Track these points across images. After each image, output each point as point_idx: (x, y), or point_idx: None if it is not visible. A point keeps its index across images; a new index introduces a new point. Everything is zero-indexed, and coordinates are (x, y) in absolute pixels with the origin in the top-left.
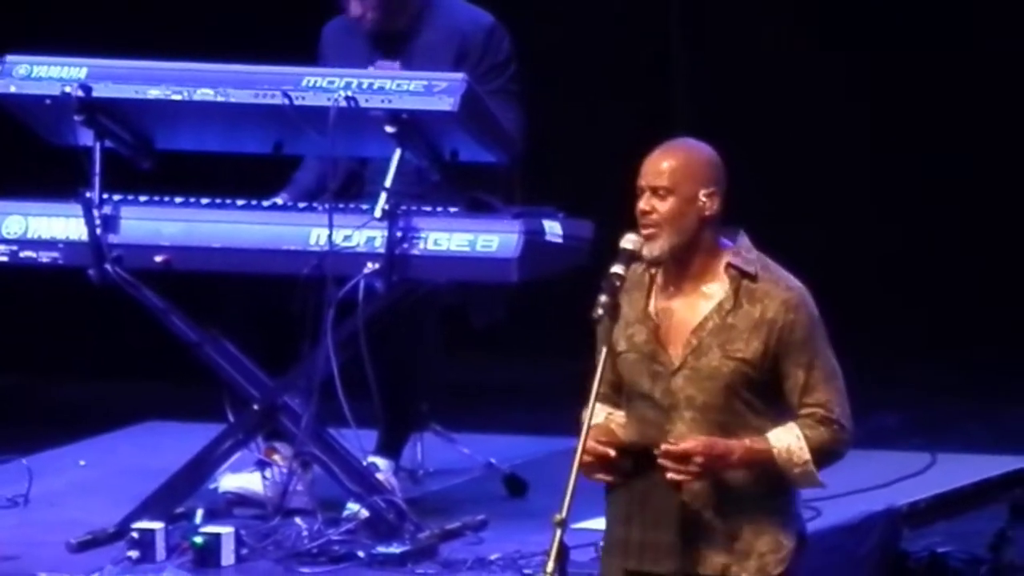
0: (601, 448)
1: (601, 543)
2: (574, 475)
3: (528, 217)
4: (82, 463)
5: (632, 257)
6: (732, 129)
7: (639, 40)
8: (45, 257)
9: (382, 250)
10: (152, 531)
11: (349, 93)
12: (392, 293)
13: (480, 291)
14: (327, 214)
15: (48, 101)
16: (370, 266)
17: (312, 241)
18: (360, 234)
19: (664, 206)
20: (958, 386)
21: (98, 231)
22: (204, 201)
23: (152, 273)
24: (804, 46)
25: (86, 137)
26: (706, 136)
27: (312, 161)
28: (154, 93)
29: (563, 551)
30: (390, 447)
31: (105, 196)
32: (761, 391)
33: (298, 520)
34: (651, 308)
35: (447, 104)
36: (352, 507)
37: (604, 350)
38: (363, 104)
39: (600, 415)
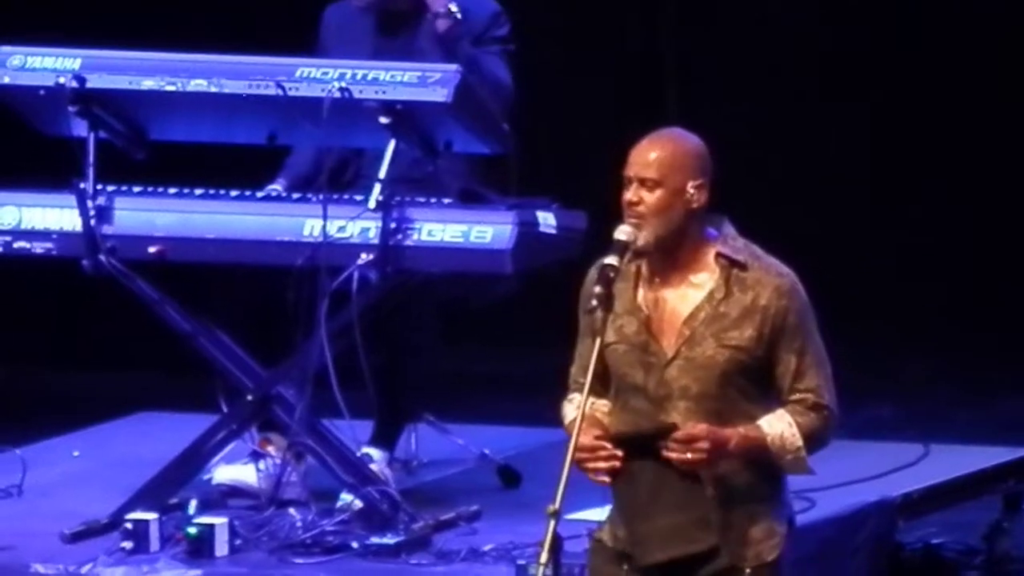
0: (595, 441)
1: (596, 533)
2: (567, 466)
3: (522, 208)
4: (76, 454)
5: (626, 248)
6: (723, 119)
7: (631, 31)
8: (39, 248)
9: (376, 241)
10: (146, 522)
11: (343, 84)
12: (386, 284)
13: (479, 282)
14: (321, 205)
15: (42, 92)
16: (364, 257)
17: (306, 232)
18: (354, 225)
19: (651, 197)
20: (952, 377)
21: (92, 222)
22: (198, 192)
23: (146, 264)
24: (798, 31)
25: (80, 128)
26: (697, 126)
27: (305, 147)
28: (148, 84)
29: (557, 542)
30: (384, 438)
31: (99, 187)
32: (754, 378)
33: (292, 511)
34: (640, 299)
35: (441, 95)
36: (346, 498)
37: (598, 340)
38: (357, 95)
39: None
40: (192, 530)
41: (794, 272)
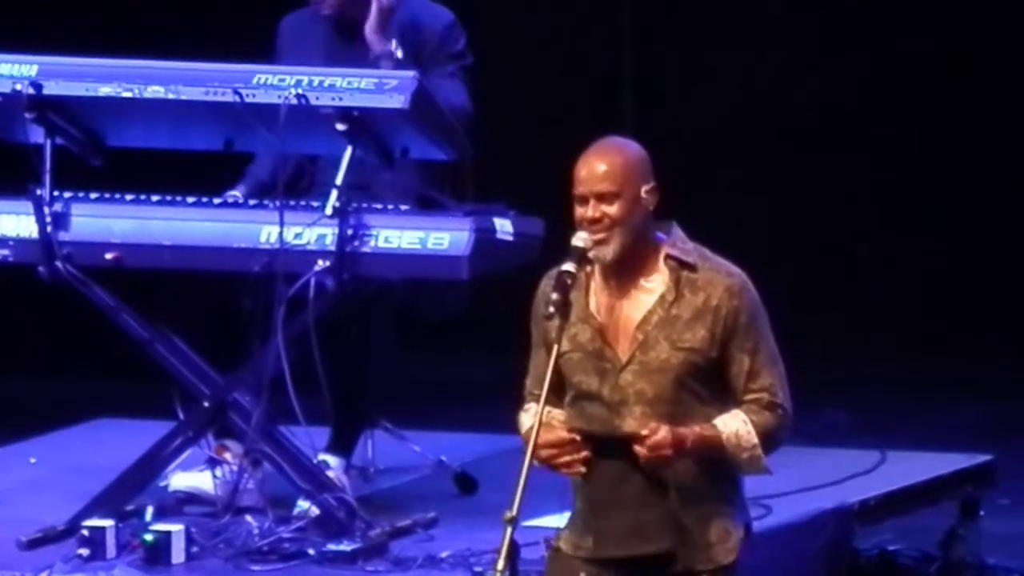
0: (564, 435)
1: (553, 540)
2: (525, 473)
3: (479, 215)
4: (32, 460)
5: (583, 255)
6: (679, 124)
7: (589, 36)
8: None
9: (333, 248)
10: (102, 529)
11: (300, 91)
12: (342, 290)
13: (432, 290)
14: (278, 211)
15: None
16: (320, 263)
17: (263, 239)
18: (311, 232)
19: (612, 209)
20: (908, 384)
21: (48, 228)
22: (155, 198)
23: (102, 270)
24: (761, 36)
25: (37, 134)
26: (653, 131)
27: (265, 155)
28: (105, 90)
29: (514, 549)
30: (341, 445)
31: (56, 193)
32: (707, 380)
33: (248, 518)
34: (592, 306)
35: (398, 102)
36: (302, 505)
37: (555, 349)
38: (313, 102)
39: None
40: (148, 537)
41: (747, 273)
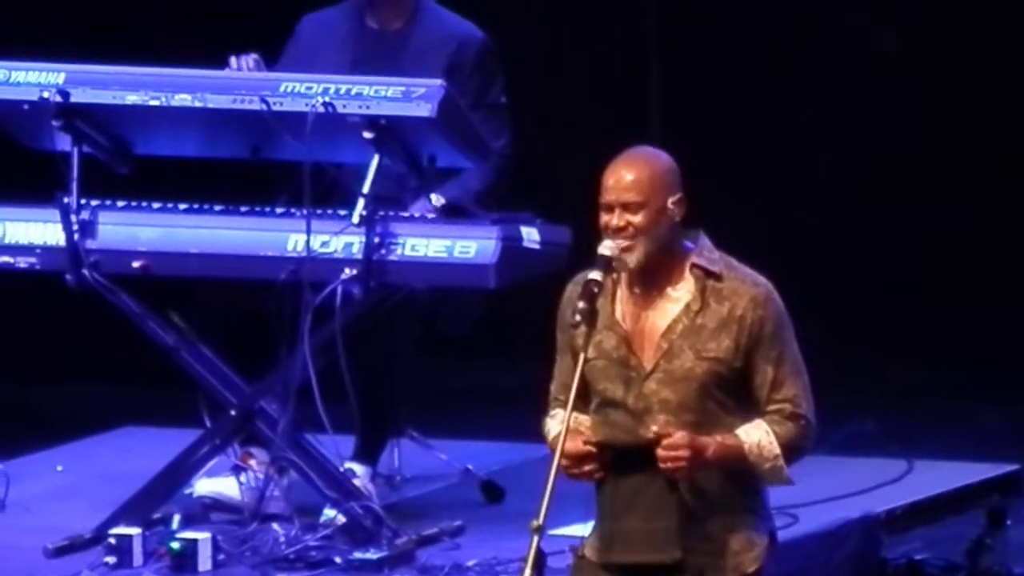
0: (582, 448)
1: (579, 549)
2: (551, 481)
3: (506, 223)
4: (59, 468)
5: (609, 263)
6: (708, 135)
7: (617, 45)
8: (22, 262)
9: (360, 256)
10: (129, 536)
11: (327, 99)
12: (369, 299)
13: (453, 299)
14: (305, 220)
15: (26, 106)
16: (347, 272)
17: (290, 247)
18: (338, 240)
19: (638, 218)
20: (935, 392)
21: (76, 236)
22: (182, 206)
23: (130, 278)
24: (780, 49)
25: (64, 142)
26: (681, 142)
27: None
28: (132, 98)
29: (540, 557)
30: (367, 453)
31: (83, 201)
32: (732, 389)
33: (275, 526)
34: (617, 314)
35: (425, 110)
36: (329, 513)
37: (581, 356)
38: (341, 110)
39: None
40: (175, 545)
41: (774, 284)
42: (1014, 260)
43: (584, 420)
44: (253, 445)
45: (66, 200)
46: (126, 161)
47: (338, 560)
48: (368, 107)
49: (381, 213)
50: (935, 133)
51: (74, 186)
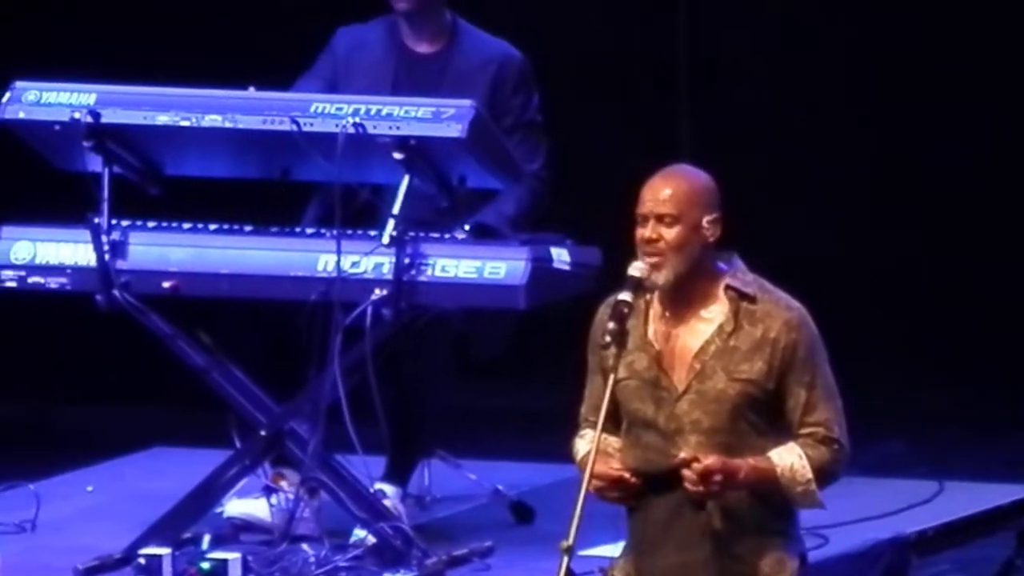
0: (614, 472)
1: (609, 570)
2: (581, 502)
3: (536, 244)
4: (89, 489)
5: (639, 284)
6: (736, 155)
7: (645, 66)
8: (53, 283)
9: (390, 276)
10: (159, 557)
11: (357, 119)
12: (400, 320)
13: (486, 322)
14: (335, 240)
15: (57, 127)
16: (378, 292)
17: (320, 267)
18: (368, 260)
19: (670, 233)
20: (966, 413)
21: (106, 257)
22: (212, 227)
23: (160, 299)
24: (809, 66)
25: (95, 163)
26: (711, 161)
27: (323, 193)
28: (163, 119)
29: None
30: (397, 474)
31: (113, 222)
32: (764, 412)
33: (305, 546)
34: (650, 335)
35: (455, 131)
36: (359, 533)
37: (611, 377)
38: (371, 131)
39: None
40: (205, 565)
41: (805, 306)
42: None
43: (613, 441)
44: (284, 466)
45: (97, 220)
46: (156, 182)
47: None
48: (398, 127)
49: (411, 234)
50: (982, 152)
51: (105, 206)
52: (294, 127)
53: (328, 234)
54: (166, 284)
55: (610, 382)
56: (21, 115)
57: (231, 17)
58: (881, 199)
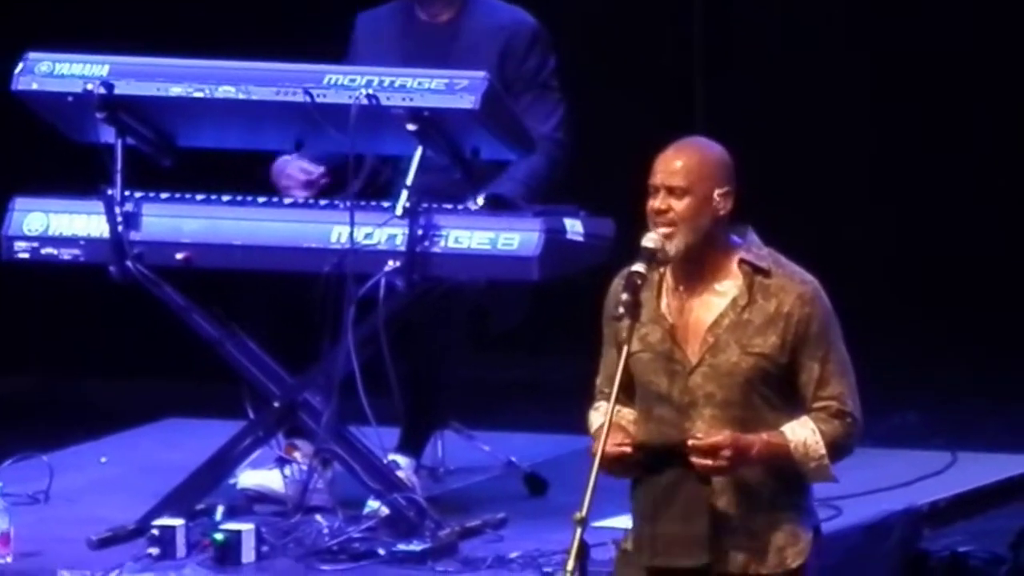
0: (616, 449)
1: (622, 542)
2: (594, 473)
3: (549, 215)
4: (103, 460)
5: (653, 256)
6: (752, 127)
7: (661, 37)
8: (66, 254)
9: (403, 248)
10: (172, 528)
11: (370, 91)
12: (413, 291)
13: (502, 294)
14: (348, 212)
15: (70, 98)
16: (391, 264)
17: (333, 239)
18: (381, 232)
19: (680, 205)
20: (979, 385)
21: (119, 228)
22: (225, 198)
23: (173, 270)
24: (829, 46)
25: (108, 134)
26: (726, 135)
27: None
28: (176, 91)
29: (583, 549)
30: (411, 445)
31: (126, 193)
32: (778, 386)
33: (318, 517)
34: (663, 308)
35: (468, 102)
36: (372, 504)
37: (624, 349)
38: (384, 102)
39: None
40: (219, 536)
41: (819, 280)
42: None
43: (627, 413)
44: (297, 437)
45: (110, 192)
46: (169, 153)
47: (381, 552)
48: (411, 99)
49: (425, 205)
50: (981, 132)
51: (118, 178)
52: (307, 98)
53: (341, 205)
54: (179, 256)
55: (623, 354)
56: (34, 86)
57: None
58: (897, 177)
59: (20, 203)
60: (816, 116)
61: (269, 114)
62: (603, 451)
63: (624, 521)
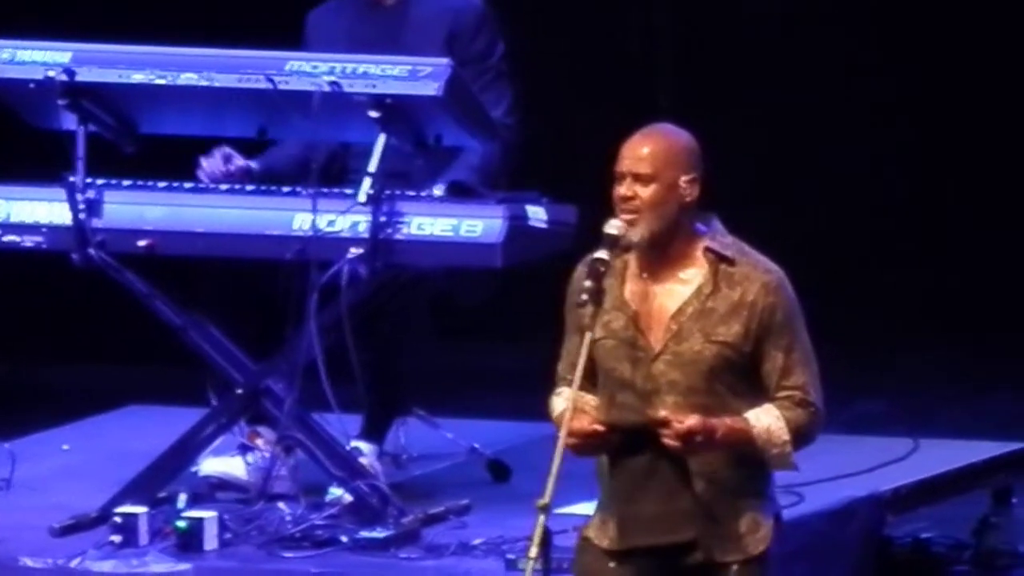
0: (588, 427)
1: (583, 529)
2: (557, 460)
3: (512, 202)
4: (65, 447)
5: (616, 242)
6: (714, 114)
7: (622, 24)
8: (28, 241)
9: (366, 235)
10: (135, 515)
11: (333, 78)
12: (376, 278)
13: (467, 276)
14: (311, 199)
15: (32, 85)
16: (354, 251)
17: (296, 226)
18: (344, 219)
19: (646, 192)
20: (941, 372)
21: (81, 215)
22: (187, 185)
23: (136, 257)
24: (789, 30)
25: (70, 121)
26: (688, 122)
27: (290, 142)
28: (138, 77)
29: (546, 536)
30: (374, 432)
31: (89, 180)
32: (742, 374)
33: (281, 505)
34: (627, 295)
35: (432, 89)
36: (335, 492)
37: (587, 336)
38: (347, 89)
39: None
40: (181, 524)
41: (783, 268)
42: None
43: (590, 399)
44: (260, 424)
45: (72, 179)
46: (132, 140)
47: (344, 539)
48: (374, 86)
49: (388, 192)
50: (935, 122)
51: (80, 165)
52: (270, 85)
53: (304, 192)
54: (142, 243)
55: (586, 340)
56: None
57: None
58: (861, 166)
59: None
60: (784, 102)
61: (232, 101)
62: (571, 430)
63: (587, 508)
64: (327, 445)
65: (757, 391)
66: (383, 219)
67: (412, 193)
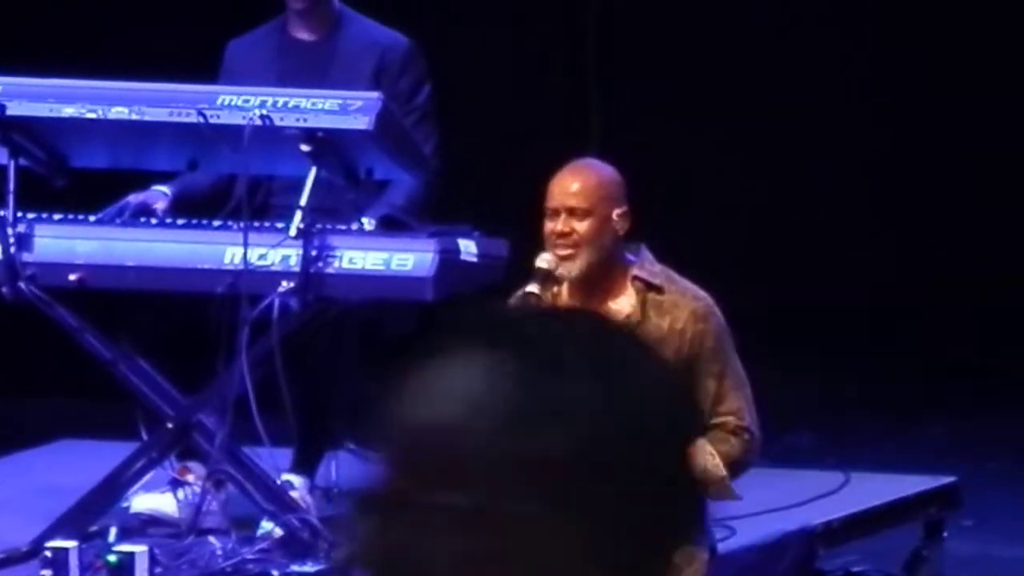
0: None
1: None
2: None
3: (443, 236)
4: None
5: (548, 276)
6: (645, 144)
7: (553, 58)
8: None
9: (297, 268)
10: (66, 550)
11: (264, 111)
12: (307, 312)
13: (394, 306)
14: (242, 233)
15: None
16: (285, 285)
17: (227, 259)
18: (275, 252)
19: (582, 226)
20: (873, 405)
21: (12, 249)
22: (118, 219)
23: (66, 291)
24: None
25: (0, 155)
26: (619, 155)
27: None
28: (68, 111)
29: None
30: (305, 465)
31: (19, 214)
32: None
33: (212, 539)
34: None
35: (363, 123)
36: (266, 525)
37: None
38: (278, 123)
39: None
40: (112, 558)
41: (712, 296)
42: (954, 275)
43: None
44: (190, 458)
45: (2, 213)
46: (63, 173)
47: (275, 573)
48: (305, 120)
49: (319, 226)
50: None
51: (11, 199)
52: (201, 119)
53: (235, 226)
54: (72, 276)
55: None
56: None
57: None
58: (788, 185)
59: None
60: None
61: (163, 135)
62: None
63: None
64: (258, 479)
65: None
66: (314, 253)
67: (343, 227)
